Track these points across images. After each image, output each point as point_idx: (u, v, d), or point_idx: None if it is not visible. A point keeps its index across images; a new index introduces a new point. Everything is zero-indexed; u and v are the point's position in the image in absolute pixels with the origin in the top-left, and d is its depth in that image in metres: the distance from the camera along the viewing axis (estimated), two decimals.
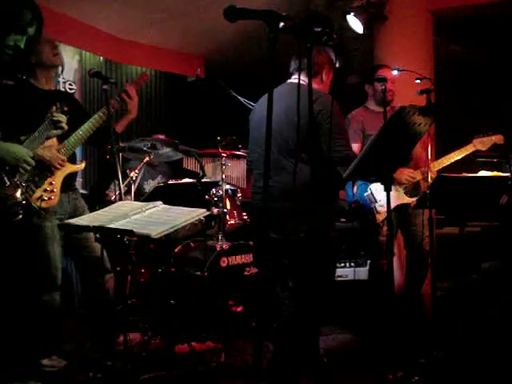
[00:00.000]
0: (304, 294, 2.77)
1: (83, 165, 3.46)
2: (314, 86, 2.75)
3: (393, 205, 3.79)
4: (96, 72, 3.30)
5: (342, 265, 4.57)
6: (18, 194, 2.93)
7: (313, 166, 2.59)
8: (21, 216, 2.82)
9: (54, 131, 3.04)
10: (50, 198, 3.17)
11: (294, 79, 2.95)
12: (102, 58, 6.35)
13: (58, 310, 3.35)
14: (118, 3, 5.54)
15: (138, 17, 5.87)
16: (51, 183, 3.20)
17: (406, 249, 4.13)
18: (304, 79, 2.75)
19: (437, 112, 2.95)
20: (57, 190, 3.22)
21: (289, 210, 2.73)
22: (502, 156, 3.86)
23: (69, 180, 3.36)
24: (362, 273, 4.52)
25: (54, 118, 2.96)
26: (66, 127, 3.00)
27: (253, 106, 3.25)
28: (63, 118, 2.99)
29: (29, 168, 2.91)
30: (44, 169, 3.17)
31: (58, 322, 3.39)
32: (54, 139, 3.28)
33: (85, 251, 3.44)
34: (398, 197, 3.88)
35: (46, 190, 3.16)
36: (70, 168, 3.32)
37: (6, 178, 2.91)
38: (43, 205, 3.13)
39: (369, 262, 4.52)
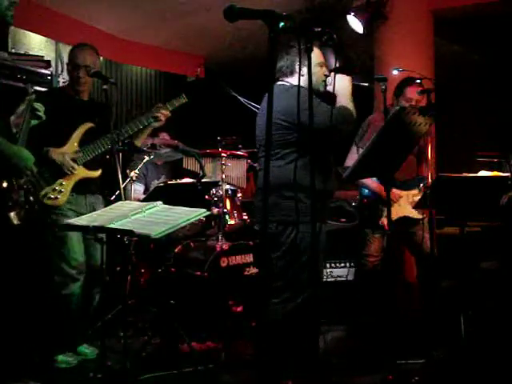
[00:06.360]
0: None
1: (99, 172, 3.46)
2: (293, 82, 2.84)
3: (400, 215, 3.78)
4: (96, 72, 3.31)
5: (342, 265, 4.57)
6: (22, 196, 2.91)
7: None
8: (21, 219, 2.76)
9: (33, 120, 2.83)
10: (56, 198, 3.26)
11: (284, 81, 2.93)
12: (102, 57, 6.34)
13: (78, 304, 3.39)
14: (118, 3, 5.54)
15: (138, 17, 5.87)
16: (61, 184, 3.28)
17: (412, 253, 4.11)
18: (289, 80, 2.86)
19: (437, 112, 2.94)
20: (65, 191, 3.30)
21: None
22: (502, 156, 3.85)
23: (85, 183, 3.39)
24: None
25: (33, 105, 2.79)
26: (43, 116, 2.83)
27: (252, 105, 3.25)
28: (40, 107, 2.82)
29: (29, 174, 2.87)
30: (57, 169, 3.26)
31: (77, 318, 3.41)
32: (76, 143, 3.34)
33: (89, 259, 3.43)
34: (405, 208, 3.84)
35: (54, 190, 3.26)
36: (82, 173, 3.36)
37: (15, 182, 2.87)
38: (48, 202, 3.23)
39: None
